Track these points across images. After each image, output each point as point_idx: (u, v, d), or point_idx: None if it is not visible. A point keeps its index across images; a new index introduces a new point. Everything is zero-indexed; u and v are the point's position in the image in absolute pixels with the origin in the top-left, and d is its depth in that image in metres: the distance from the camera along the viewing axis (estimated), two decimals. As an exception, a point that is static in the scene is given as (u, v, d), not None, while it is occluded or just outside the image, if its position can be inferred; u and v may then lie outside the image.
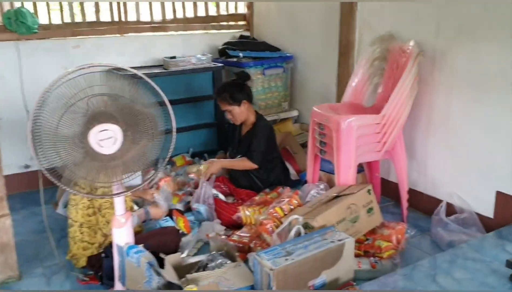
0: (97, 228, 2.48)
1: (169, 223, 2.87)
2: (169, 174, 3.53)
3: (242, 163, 3.22)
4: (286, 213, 2.61)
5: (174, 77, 3.77)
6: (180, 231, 2.77)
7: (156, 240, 2.53)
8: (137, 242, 2.48)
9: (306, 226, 2.40)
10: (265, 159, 3.22)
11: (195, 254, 2.75)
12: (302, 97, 4.24)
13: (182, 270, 2.42)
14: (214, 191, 3.15)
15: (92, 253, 2.52)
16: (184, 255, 2.61)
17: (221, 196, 3.13)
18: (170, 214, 2.92)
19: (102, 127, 1.83)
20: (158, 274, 2.17)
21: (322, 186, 3.01)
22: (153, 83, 1.96)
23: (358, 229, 2.51)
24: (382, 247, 2.47)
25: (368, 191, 2.61)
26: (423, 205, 3.13)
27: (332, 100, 3.73)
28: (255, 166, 3.18)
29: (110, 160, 1.89)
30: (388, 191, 3.32)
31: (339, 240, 2.20)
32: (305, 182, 3.25)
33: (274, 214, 2.59)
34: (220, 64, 3.95)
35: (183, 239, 2.81)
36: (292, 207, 2.65)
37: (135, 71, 1.99)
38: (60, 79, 1.84)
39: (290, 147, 3.73)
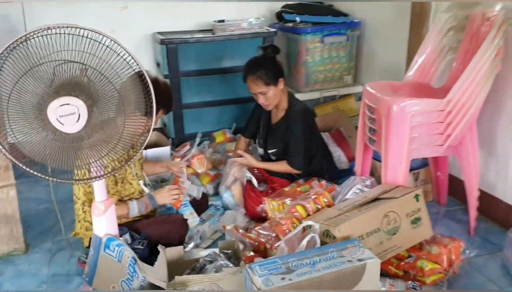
0: None
1: (188, 209, 2.55)
2: (204, 151, 3.21)
3: (280, 167, 2.72)
4: (310, 213, 2.15)
5: (220, 43, 3.39)
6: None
7: (157, 229, 2.23)
8: (135, 229, 2.21)
9: (327, 234, 1.94)
10: (307, 156, 2.71)
11: (209, 247, 2.42)
12: (369, 71, 3.64)
13: (184, 265, 2.11)
14: (248, 174, 2.76)
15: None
16: (188, 247, 2.29)
17: (254, 181, 2.73)
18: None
19: (63, 101, 1.52)
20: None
21: (368, 182, 2.49)
22: (130, 52, 1.57)
23: (397, 243, 2.00)
24: (426, 269, 1.95)
25: (416, 197, 2.07)
26: (499, 215, 2.50)
27: (401, 77, 3.12)
28: (297, 172, 2.70)
29: (74, 140, 1.58)
30: (459, 193, 2.69)
31: (360, 260, 1.72)
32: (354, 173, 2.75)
33: (295, 213, 2.14)
34: (272, 30, 3.47)
35: (199, 227, 2.49)
36: (319, 206, 2.19)
37: (112, 37, 1.60)
38: (30, 33, 1.53)
39: (344, 129, 3.21)
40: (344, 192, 2.50)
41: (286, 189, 2.47)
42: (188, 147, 3.23)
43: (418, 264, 1.98)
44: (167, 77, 3.30)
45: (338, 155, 3.11)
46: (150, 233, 2.22)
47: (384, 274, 2.02)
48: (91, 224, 2.26)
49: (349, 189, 2.51)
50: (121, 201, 2.28)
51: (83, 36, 1.51)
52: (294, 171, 2.70)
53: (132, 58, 1.56)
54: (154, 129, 3.38)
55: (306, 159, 2.69)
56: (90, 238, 2.27)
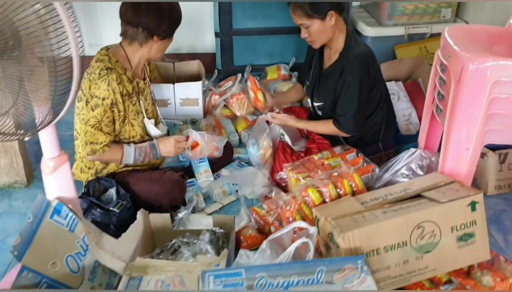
0: None
1: (203, 166, 2.16)
2: (247, 90, 2.72)
3: (325, 128, 2.14)
4: (326, 200, 1.63)
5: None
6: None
7: (146, 188, 1.90)
8: (125, 183, 1.90)
9: (331, 238, 1.44)
10: (361, 117, 2.09)
11: (215, 213, 2.02)
12: (477, 5, 2.77)
13: (171, 237, 1.76)
14: (281, 130, 2.25)
15: (87, 179, 2.01)
16: (179, 215, 1.91)
17: (287, 138, 2.22)
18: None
19: None
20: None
21: (426, 162, 1.88)
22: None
23: (430, 264, 1.43)
24: (466, 309, 1.38)
25: (472, 205, 1.44)
26: None
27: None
28: (346, 135, 2.10)
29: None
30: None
31: (353, 294, 1.22)
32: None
33: (305, 198, 1.64)
34: None
35: (211, 184, 2.10)
36: (340, 192, 1.65)
37: None
38: None
39: (423, 80, 2.50)
40: (393, 168, 1.95)
41: (316, 157, 1.94)
42: (230, 83, 2.76)
43: (458, 297, 1.42)
44: (215, -4, 2.79)
45: (409, 113, 2.46)
46: (139, 191, 1.89)
47: (409, 299, 1.50)
48: (87, 166, 1.99)
49: (401, 166, 1.94)
50: (115, 142, 1.94)
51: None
52: (342, 134, 2.11)
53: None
54: (198, 57, 2.93)
55: (359, 120, 2.06)
56: (85, 183, 2.02)
